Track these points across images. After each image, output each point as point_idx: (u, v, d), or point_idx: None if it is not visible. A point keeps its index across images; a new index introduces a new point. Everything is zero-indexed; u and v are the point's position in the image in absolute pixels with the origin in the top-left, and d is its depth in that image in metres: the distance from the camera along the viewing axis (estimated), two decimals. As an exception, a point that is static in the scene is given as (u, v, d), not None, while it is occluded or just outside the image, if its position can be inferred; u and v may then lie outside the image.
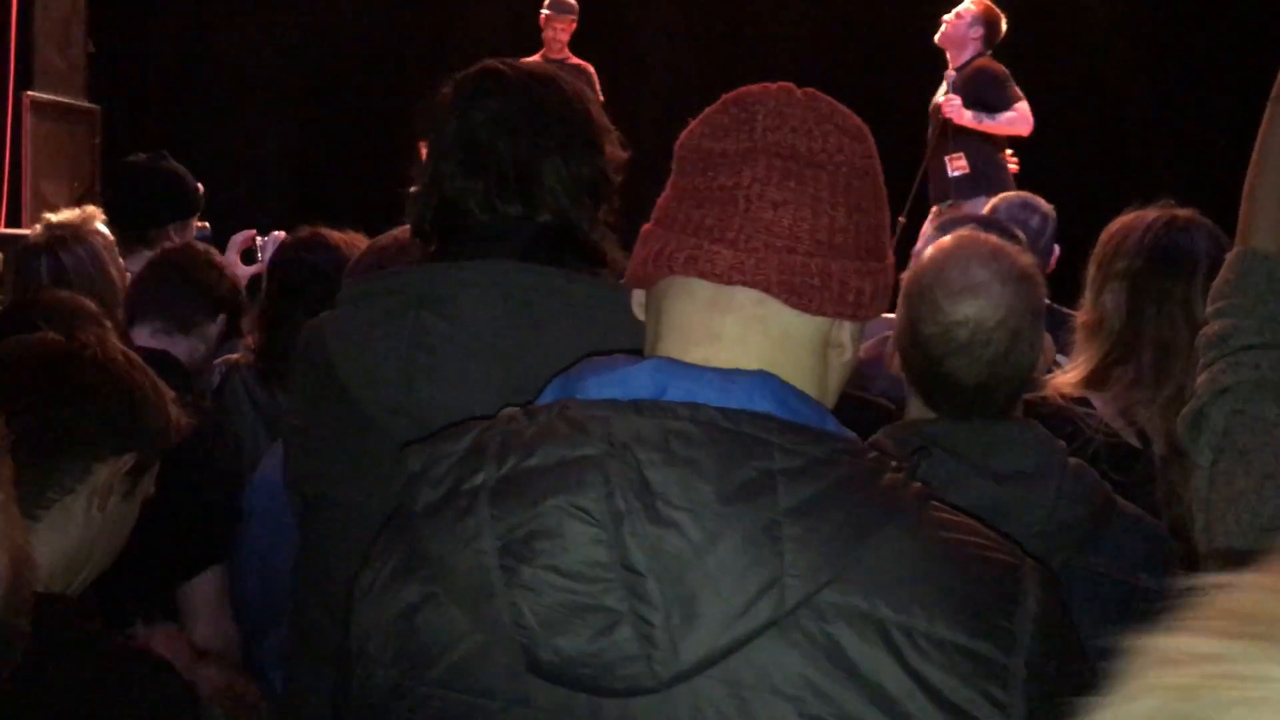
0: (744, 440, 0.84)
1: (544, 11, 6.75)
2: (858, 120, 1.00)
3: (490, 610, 0.85)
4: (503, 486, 0.85)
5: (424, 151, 5.50)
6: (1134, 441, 1.84)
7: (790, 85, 1.00)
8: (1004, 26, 5.86)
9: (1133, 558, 1.47)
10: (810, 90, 0.99)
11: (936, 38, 5.86)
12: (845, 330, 0.96)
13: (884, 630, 0.81)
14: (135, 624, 1.79)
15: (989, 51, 5.84)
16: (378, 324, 1.45)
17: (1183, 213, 2.01)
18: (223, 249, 3.31)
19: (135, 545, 1.47)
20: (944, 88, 5.78)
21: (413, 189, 1.58)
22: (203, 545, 2.10)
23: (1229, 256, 1.37)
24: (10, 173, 6.13)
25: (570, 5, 6.76)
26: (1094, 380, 1.92)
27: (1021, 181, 5.43)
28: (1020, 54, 6.40)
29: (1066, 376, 1.92)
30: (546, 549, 0.83)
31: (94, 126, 6.72)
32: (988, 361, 1.44)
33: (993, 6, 5.89)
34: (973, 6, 5.85)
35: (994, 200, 3.31)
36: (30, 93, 6.23)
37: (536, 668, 0.84)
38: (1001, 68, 5.76)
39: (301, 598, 1.60)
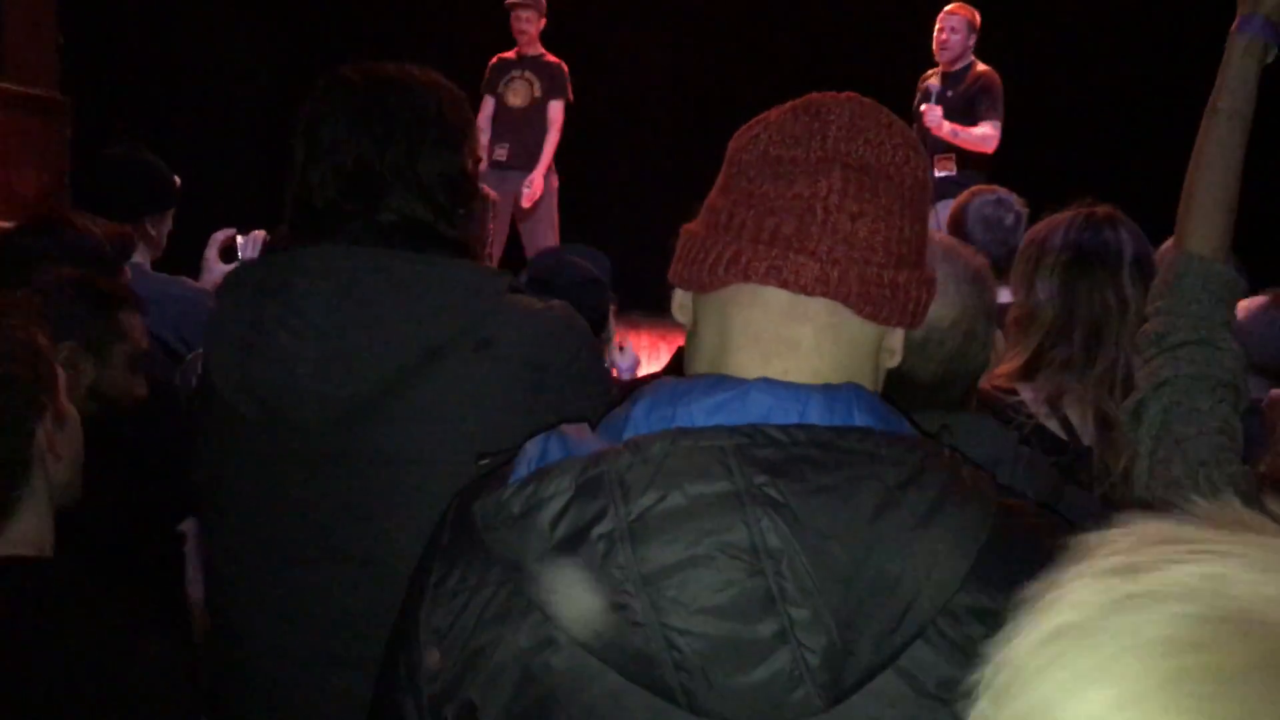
0: (861, 458, 0.86)
1: (509, 3, 6.74)
2: (913, 133, 1.02)
3: (639, 653, 0.84)
4: (641, 530, 0.84)
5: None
6: (1058, 430, 1.93)
7: (856, 95, 1.01)
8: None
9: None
10: (873, 101, 1.01)
11: (939, 54, 5.97)
12: (898, 336, 0.99)
13: None
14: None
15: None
16: (226, 312, 1.57)
17: (1101, 209, 2.10)
18: (196, 245, 3.33)
19: (109, 508, 1.54)
20: (927, 96, 5.89)
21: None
22: (169, 504, 2.17)
23: (1167, 259, 1.46)
24: (-23, 164, 6.09)
25: (532, 2, 6.73)
26: (1027, 370, 2.01)
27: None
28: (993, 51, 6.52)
29: (1000, 369, 2.00)
30: (703, 591, 0.83)
31: (64, 118, 6.69)
32: (941, 360, 1.50)
33: (973, 8, 6.05)
34: (962, 15, 5.98)
35: (964, 195, 3.33)
36: (-1, 84, 6.21)
37: (698, 708, 0.84)
38: (999, 81, 5.91)
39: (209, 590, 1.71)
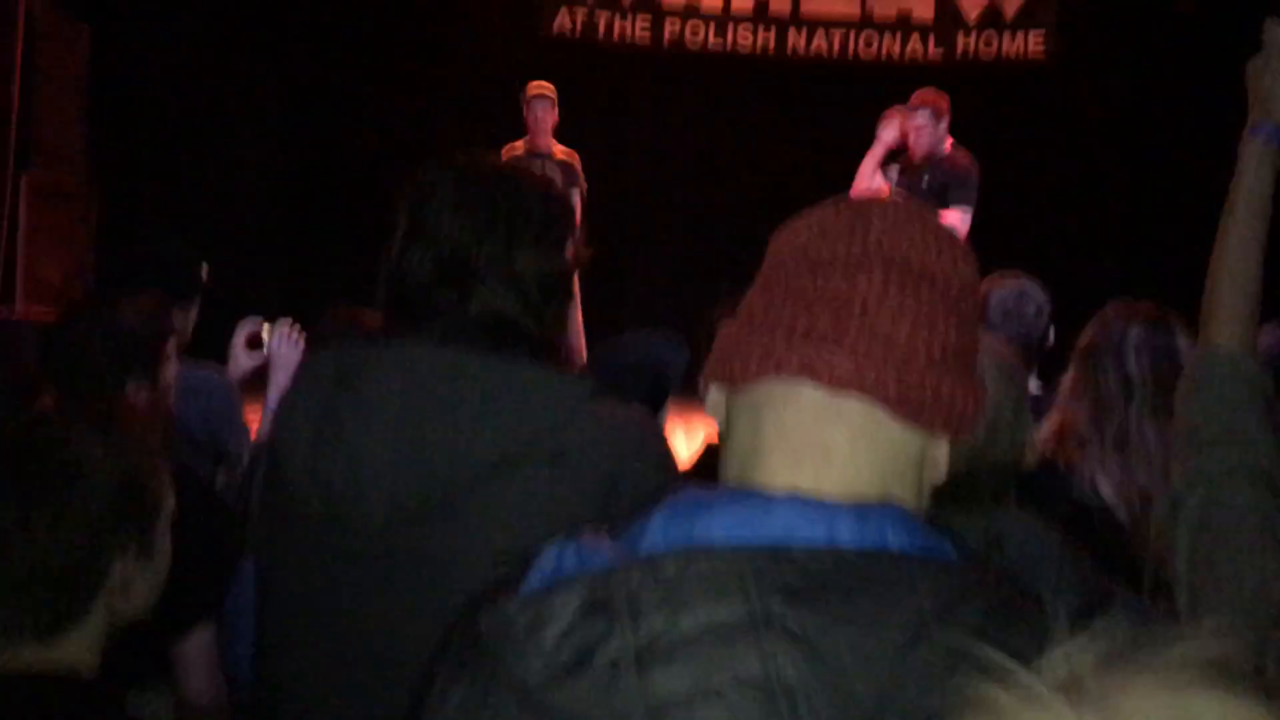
0: (892, 586, 0.80)
1: (526, 96, 6.84)
2: (962, 240, 0.99)
3: None
4: (649, 657, 0.79)
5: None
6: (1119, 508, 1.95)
7: (899, 199, 1.00)
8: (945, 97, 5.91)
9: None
10: (918, 202, 1.00)
11: (913, 150, 5.85)
12: (943, 448, 0.94)
13: None
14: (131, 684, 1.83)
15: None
16: (301, 398, 1.54)
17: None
18: (224, 333, 3.35)
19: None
20: (888, 177, 5.84)
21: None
22: (196, 602, 2.12)
23: (1193, 355, 1.47)
24: (5, 253, 6.17)
25: (548, 95, 6.82)
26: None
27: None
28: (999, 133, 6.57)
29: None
30: None
31: (91, 206, 6.80)
32: (965, 455, 1.49)
33: (940, 91, 5.93)
34: (929, 103, 5.84)
35: (986, 283, 3.34)
36: (28, 173, 6.31)
37: None
38: (973, 168, 5.81)
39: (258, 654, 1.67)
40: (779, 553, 0.81)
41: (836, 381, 0.88)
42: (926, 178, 5.75)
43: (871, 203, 0.97)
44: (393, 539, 1.46)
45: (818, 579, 0.80)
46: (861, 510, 0.85)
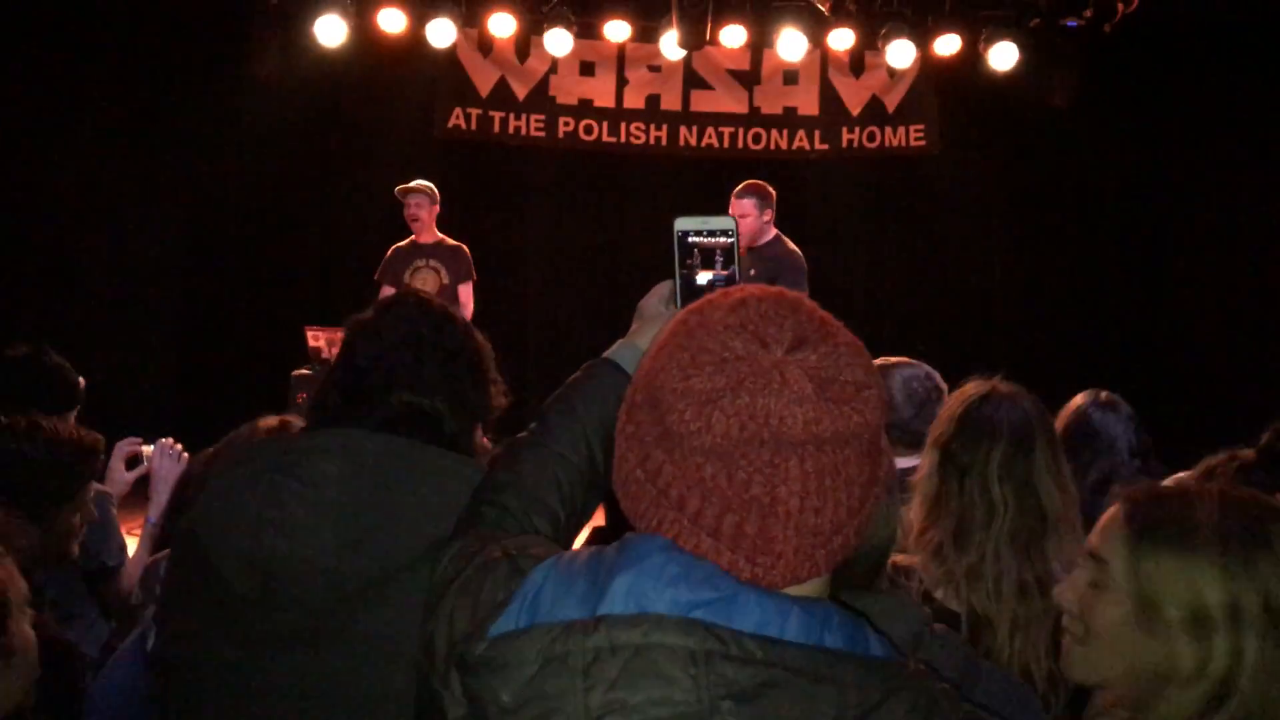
0: (824, 685, 0.88)
1: (400, 190, 6.76)
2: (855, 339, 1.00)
3: None
4: None
5: (312, 337, 5.52)
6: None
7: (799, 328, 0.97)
8: (772, 190, 5.96)
9: (1002, 709, 1.53)
10: (822, 317, 0.99)
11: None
12: None
13: None
14: None
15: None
16: (235, 489, 1.60)
17: (1003, 386, 2.07)
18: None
19: None
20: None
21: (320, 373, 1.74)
22: None
23: None
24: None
25: (420, 189, 6.73)
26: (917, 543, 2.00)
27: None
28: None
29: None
30: None
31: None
32: None
33: (760, 182, 5.97)
34: (750, 195, 5.86)
35: (882, 362, 3.30)
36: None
37: None
38: (802, 261, 5.82)
39: None
40: (733, 640, 0.89)
41: (773, 583, 0.94)
42: (752, 270, 5.69)
43: (767, 373, 0.92)
44: (325, 618, 1.50)
45: (763, 677, 0.87)
46: (808, 607, 0.92)
